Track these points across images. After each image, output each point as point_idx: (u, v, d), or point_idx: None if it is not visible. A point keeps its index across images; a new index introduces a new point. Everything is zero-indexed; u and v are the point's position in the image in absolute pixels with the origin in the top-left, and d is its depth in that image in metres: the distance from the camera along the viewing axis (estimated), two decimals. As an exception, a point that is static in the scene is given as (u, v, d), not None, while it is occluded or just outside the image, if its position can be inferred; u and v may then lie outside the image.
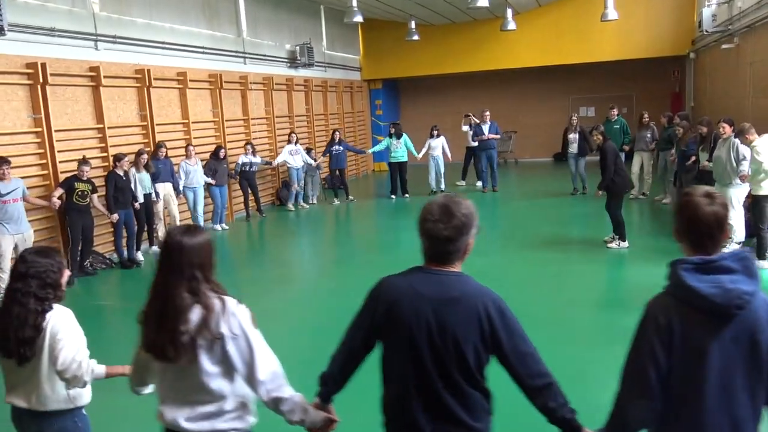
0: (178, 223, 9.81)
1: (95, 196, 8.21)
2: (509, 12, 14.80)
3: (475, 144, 14.00)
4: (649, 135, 11.68)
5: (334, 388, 2.39)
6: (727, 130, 7.61)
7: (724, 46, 12.14)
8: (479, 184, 14.25)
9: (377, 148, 14.62)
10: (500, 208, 12.71)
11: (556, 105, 19.19)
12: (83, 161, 8.08)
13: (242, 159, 11.68)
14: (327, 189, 14.82)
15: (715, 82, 14.03)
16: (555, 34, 17.16)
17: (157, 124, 10.22)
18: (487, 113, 14.11)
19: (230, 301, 2.26)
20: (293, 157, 12.77)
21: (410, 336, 2.14)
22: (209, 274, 2.27)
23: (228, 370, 2.24)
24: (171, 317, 2.17)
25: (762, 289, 1.97)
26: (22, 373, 2.68)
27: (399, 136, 13.73)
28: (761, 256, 7.00)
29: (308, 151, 13.65)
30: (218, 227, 11.09)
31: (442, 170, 14.05)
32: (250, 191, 12.06)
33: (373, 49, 19.09)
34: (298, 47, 14.78)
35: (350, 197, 13.75)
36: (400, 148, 13.70)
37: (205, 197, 10.83)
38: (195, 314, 2.19)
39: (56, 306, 2.70)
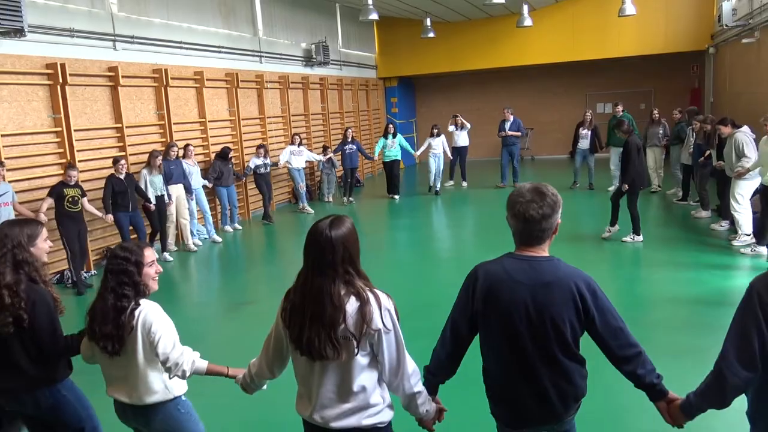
0: (188, 226, 9.71)
1: (85, 200, 7.88)
2: (525, 8, 14.71)
3: (465, 144, 14.54)
4: (661, 131, 11.85)
5: (442, 377, 2.51)
6: (725, 130, 7.85)
7: (744, 41, 11.97)
8: (464, 184, 14.48)
9: (377, 150, 14.59)
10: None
11: (572, 101, 19.04)
12: (70, 166, 7.75)
13: (254, 162, 11.57)
14: (341, 187, 14.85)
15: (735, 78, 13.83)
16: (571, 30, 17.03)
17: (175, 123, 10.31)
18: (508, 110, 14.27)
19: (382, 295, 2.27)
20: (295, 157, 12.65)
21: (509, 320, 2.30)
22: (358, 265, 2.27)
23: (375, 363, 2.26)
24: (330, 316, 2.15)
25: None
26: (116, 367, 2.73)
27: (394, 136, 13.78)
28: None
29: (324, 149, 13.69)
30: (228, 228, 11.06)
31: (441, 169, 14.09)
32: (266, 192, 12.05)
33: (389, 46, 19.07)
34: (313, 45, 14.82)
35: (350, 199, 13.67)
36: (394, 148, 13.75)
37: (209, 199, 10.76)
38: (351, 308, 2.18)
39: (144, 301, 2.72)
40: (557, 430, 2.55)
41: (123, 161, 8.42)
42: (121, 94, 9.18)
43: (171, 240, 9.58)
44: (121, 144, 9.27)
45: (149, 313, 2.68)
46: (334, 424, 2.25)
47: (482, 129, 19.01)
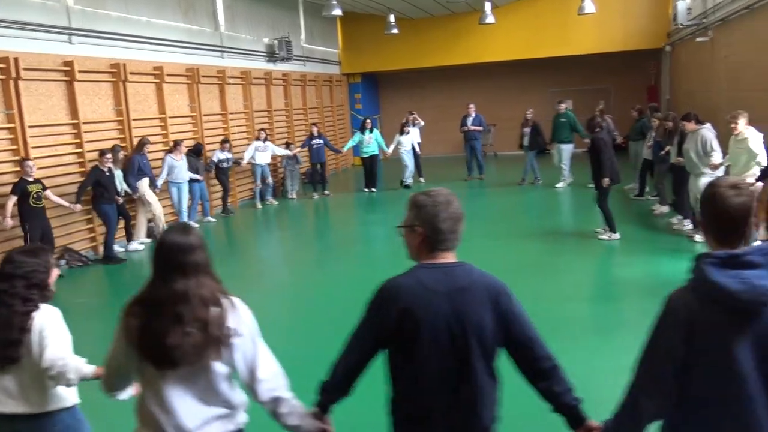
0: (162, 219, 9.81)
1: (49, 192, 7.89)
2: (488, 5, 14.84)
3: (418, 141, 14.63)
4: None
5: (336, 397, 2.30)
6: (690, 126, 7.85)
7: (698, 40, 12.31)
8: (422, 179, 14.61)
9: (350, 144, 14.66)
10: (478, 198, 12.83)
11: (535, 98, 19.25)
12: (25, 159, 7.67)
13: (218, 155, 11.64)
14: (306, 183, 14.78)
15: (690, 76, 14.23)
16: (533, 28, 17.26)
17: (134, 120, 10.09)
18: (472, 106, 14.60)
19: (237, 300, 2.22)
20: (260, 153, 12.62)
21: (430, 335, 2.11)
22: (210, 270, 2.20)
23: (230, 370, 2.19)
24: (195, 319, 2.07)
25: None
26: (12, 376, 2.61)
27: (371, 131, 13.80)
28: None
29: (287, 145, 13.60)
30: (206, 220, 11.25)
31: (411, 165, 14.15)
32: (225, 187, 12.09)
33: (353, 42, 19.03)
34: (276, 41, 14.68)
35: (326, 192, 13.69)
36: (372, 143, 13.78)
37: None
38: (212, 314, 2.11)
39: (43, 306, 2.65)
40: None
41: (109, 154, 8.60)
42: (77, 89, 8.94)
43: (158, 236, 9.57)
44: (78, 140, 9.05)
45: (46, 319, 2.62)
46: None
47: (446, 125, 19.13)
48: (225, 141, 11.86)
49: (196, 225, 10.88)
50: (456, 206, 2.17)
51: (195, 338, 2.06)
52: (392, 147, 14.20)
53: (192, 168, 10.66)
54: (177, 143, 10.32)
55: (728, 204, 1.87)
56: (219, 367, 2.13)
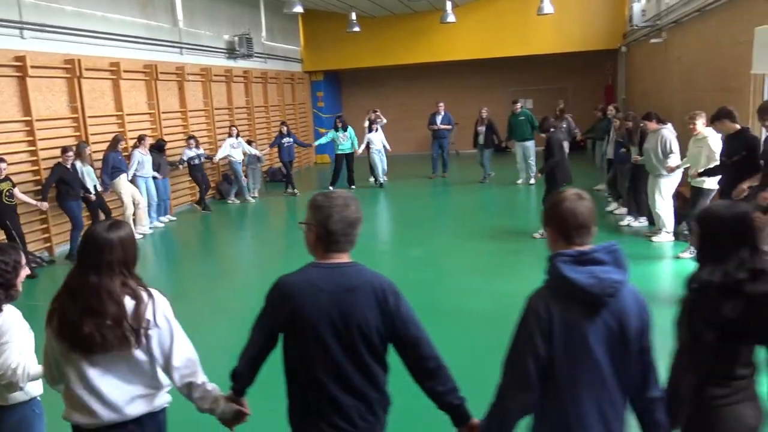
0: (145, 212, 9.86)
1: (16, 190, 7.87)
2: (449, 4, 14.94)
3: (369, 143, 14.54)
4: (564, 126, 12.26)
5: (246, 384, 2.46)
6: (651, 125, 7.92)
7: (652, 41, 12.64)
8: (382, 178, 14.55)
9: (322, 140, 14.59)
10: (444, 196, 12.95)
11: (495, 97, 19.49)
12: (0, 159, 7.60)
13: (187, 153, 11.60)
14: (269, 182, 14.66)
15: (645, 76, 14.60)
16: (494, 27, 17.46)
17: (89, 117, 9.84)
18: (441, 104, 14.78)
19: (155, 293, 2.37)
20: (235, 150, 12.65)
21: (315, 331, 2.21)
22: (132, 268, 2.37)
23: (148, 357, 2.33)
24: (110, 311, 2.23)
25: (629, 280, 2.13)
26: None
27: (345, 129, 13.73)
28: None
29: (248, 143, 13.46)
30: (165, 219, 11.08)
31: (386, 164, 14.13)
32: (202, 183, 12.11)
33: (314, 40, 18.94)
34: (236, 38, 14.50)
35: (295, 190, 13.62)
36: (347, 141, 13.73)
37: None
38: (128, 306, 2.27)
39: (6, 307, 2.63)
40: None
41: (70, 152, 8.51)
42: (29, 85, 8.67)
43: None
44: (31, 138, 8.78)
45: (6, 322, 2.61)
46: (128, 410, 2.30)
47: (409, 123, 19.23)
48: (191, 138, 11.75)
49: (168, 220, 10.85)
50: (352, 210, 2.25)
51: (109, 330, 2.22)
52: (363, 146, 14.19)
53: (155, 164, 10.58)
54: (141, 138, 10.30)
55: (577, 208, 2.10)
56: (138, 354, 2.30)
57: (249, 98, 15.34)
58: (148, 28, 11.53)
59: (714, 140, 6.90)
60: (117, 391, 2.30)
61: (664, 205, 7.89)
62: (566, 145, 12.33)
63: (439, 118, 14.56)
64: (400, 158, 18.83)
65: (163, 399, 2.43)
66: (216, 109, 13.73)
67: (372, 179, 14.82)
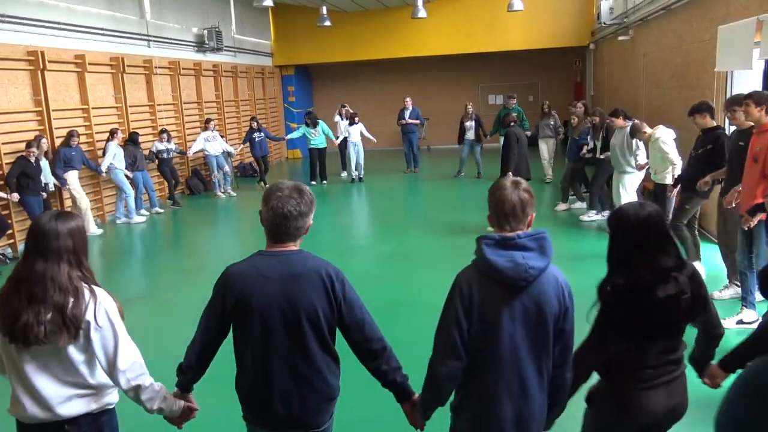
0: (89, 213, 9.52)
1: None
2: (420, 0, 14.95)
3: (347, 136, 14.47)
4: (552, 123, 12.33)
5: (193, 377, 2.46)
6: (618, 122, 8.01)
7: (620, 38, 12.84)
8: (354, 173, 14.49)
9: (293, 135, 14.49)
10: (414, 191, 12.99)
11: (466, 92, 19.63)
12: None
13: (158, 146, 11.45)
14: (239, 177, 14.54)
15: (613, 73, 14.83)
16: (465, 23, 17.54)
17: (54, 110, 9.62)
18: (408, 100, 14.77)
19: (99, 291, 2.27)
20: (210, 143, 12.46)
21: (263, 318, 2.27)
22: (83, 260, 2.28)
23: (92, 358, 2.25)
24: (52, 298, 2.16)
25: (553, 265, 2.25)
26: None
27: (315, 125, 13.67)
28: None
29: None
30: (145, 214, 10.97)
31: (362, 156, 14.06)
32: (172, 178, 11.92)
33: (285, 34, 18.80)
34: (205, 31, 14.32)
35: (265, 185, 13.53)
36: (319, 136, 13.67)
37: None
38: (70, 299, 2.19)
39: None
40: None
41: (34, 148, 8.31)
42: (-10, 77, 8.46)
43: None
44: (-8, 132, 8.56)
45: None
46: (60, 410, 2.23)
47: (381, 119, 19.22)
48: (163, 131, 11.61)
49: (148, 214, 10.70)
50: (292, 203, 2.25)
51: (47, 321, 2.14)
52: (341, 137, 14.16)
53: (131, 156, 10.47)
54: (113, 131, 10.19)
55: (507, 197, 2.22)
56: (74, 353, 2.21)
57: (219, 92, 15.16)
58: (114, 20, 11.31)
59: (666, 138, 6.95)
60: (51, 389, 2.23)
61: (628, 199, 7.98)
62: (551, 142, 12.47)
63: (407, 113, 14.58)
64: (372, 153, 18.80)
65: (105, 400, 2.34)
66: (185, 103, 13.54)
67: (344, 174, 14.80)
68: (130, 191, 10.43)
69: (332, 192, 13.29)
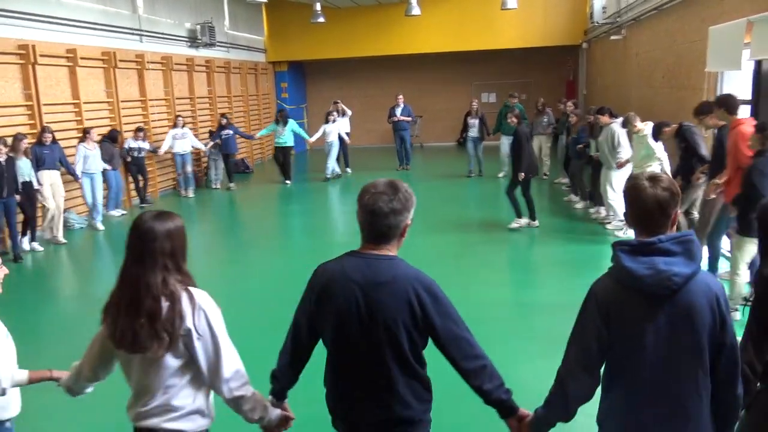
0: (61, 214, 9.01)
1: None
2: (414, -3, 14.94)
3: (347, 131, 14.59)
4: (545, 120, 12.38)
5: (287, 384, 2.36)
6: (604, 119, 8.22)
7: (612, 38, 12.89)
8: (348, 170, 14.62)
9: (263, 132, 14.45)
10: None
11: (459, 90, 19.66)
12: None
13: (130, 144, 11.11)
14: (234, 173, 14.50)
15: (605, 72, 14.88)
16: (458, 21, 17.55)
17: (45, 105, 9.55)
18: (401, 97, 14.71)
19: (200, 295, 2.14)
20: (178, 141, 12.18)
21: (340, 321, 2.15)
22: (181, 263, 2.16)
23: (188, 365, 2.14)
24: (147, 306, 2.06)
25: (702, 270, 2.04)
26: None
27: (285, 123, 13.59)
28: None
29: (211, 134, 13.30)
30: (116, 213, 10.68)
31: (333, 156, 14.02)
32: (140, 177, 11.55)
33: (279, 30, 18.75)
34: (198, 26, 14.26)
35: (231, 184, 13.34)
36: (285, 134, 13.56)
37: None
38: (165, 305, 2.07)
39: None
40: None
41: (1, 146, 7.81)
42: (-20, 71, 8.39)
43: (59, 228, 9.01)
44: (-17, 126, 8.49)
45: None
46: (137, 423, 2.18)
47: (373, 115, 19.23)
48: (139, 129, 11.28)
49: (120, 214, 10.58)
50: (385, 199, 2.10)
51: (142, 328, 2.05)
52: (316, 136, 14.13)
53: (107, 155, 10.21)
54: (87, 131, 9.79)
55: (644, 196, 2.00)
56: (170, 360, 2.10)
57: (211, 88, 15.11)
58: (106, 15, 11.24)
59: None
60: (137, 401, 2.18)
61: (615, 196, 8.23)
62: (548, 139, 12.53)
63: (398, 111, 14.54)
64: (364, 150, 18.84)
65: (189, 423, 2.20)
66: (177, 98, 13.49)
67: (348, 170, 14.77)
68: (89, 199, 9.81)
69: (314, 190, 13.27)
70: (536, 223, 8.73)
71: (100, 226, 9.87)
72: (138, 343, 2.06)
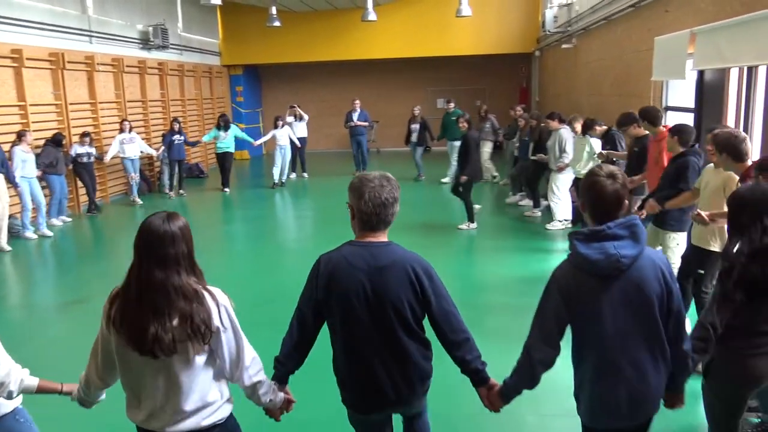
0: (4, 219, 8.59)
1: None
2: (370, 2, 14.98)
3: (304, 136, 14.62)
4: (488, 126, 12.65)
5: (292, 367, 2.53)
6: (553, 124, 8.75)
7: (563, 46, 13.21)
8: (293, 175, 14.66)
9: (206, 138, 14.13)
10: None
11: (415, 96, 19.78)
12: None
13: (76, 149, 10.72)
14: (183, 178, 14.23)
15: (557, 79, 15.23)
16: (414, 27, 17.70)
17: (-12, 106, 9.23)
18: (357, 102, 14.72)
19: (216, 291, 2.22)
20: (125, 146, 11.79)
21: (350, 305, 2.36)
22: (195, 261, 2.21)
23: (212, 361, 2.22)
24: (178, 309, 2.09)
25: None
26: None
27: (226, 128, 13.39)
28: None
29: (164, 138, 13.01)
30: (58, 221, 10.20)
31: (288, 161, 13.97)
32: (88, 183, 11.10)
33: (233, 33, 18.55)
34: (151, 28, 13.98)
35: (181, 191, 13.08)
36: (227, 140, 13.36)
37: (43, 187, 9.79)
38: (192, 307, 2.11)
39: None
40: (407, 412, 2.68)
41: None
42: None
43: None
44: None
45: None
46: (171, 428, 2.19)
47: (330, 120, 19.20)
48: (85, 135, 10.84)
49: (61, 223, 10.22)
50: (386, 191, 2.35)
51: (175, 330, 2.08)
52: (263, 139, 14.00)
53: (51, 159, 9.76)
54: (21, 134, 9.26)
55: (605, 191, 2.24)
56: (199, 360, 2.16)
57: (164, 91, 14.83)
58: (53, 14, 10.92)
59: (594, 138, 7.88)
60: (167, 406, 2.19)
61: (557, 198, 8.86)
62: (490, 145, 12.76)
63: (355, 116, 14.53)
64: (322, 155, 18.79)
65: (224, 412, 2.30)
66: (129, 101, 13.19)
67: (293, 175, 14.69)
68: (28, 207, 9.33)
69: (267, 197, 13.16)
70: (474, 225, 9.04)
71: (48, 232, 9.55)
72: (172, 347, 2.09)
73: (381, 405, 2.50)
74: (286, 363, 2.50)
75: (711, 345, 2.61)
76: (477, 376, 2.50)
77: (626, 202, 2.28)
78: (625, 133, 6.77)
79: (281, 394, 2.49)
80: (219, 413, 2.26)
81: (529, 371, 2.39)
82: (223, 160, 13.38)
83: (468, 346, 2.45)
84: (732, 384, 2.71)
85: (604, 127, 7.79)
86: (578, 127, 8.23)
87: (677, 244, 5.10)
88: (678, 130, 5.04)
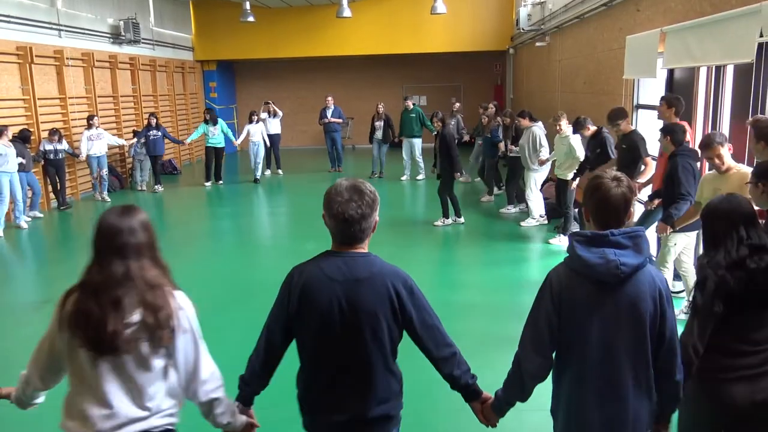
0: None
1: None
2: (345, -1, 14.95)
3: (278, 132, 14.62)
4: (453, 122, 12.73)
5: (258, 388, 2.36)
6: (524, 122, 8.83)
7: (537, 44, 13.33)
8: (268, 172, 14.59)
9: (193, 135, 14.05)
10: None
11: (390, 93, 19.81)
12: None
13: (45, 146, 10.52)
14: (161, 174, 14.05)
15: (531, 77, 15.37)
16: (389, 24, 17.70)
17: (-47, 101, 9.00)
18: (330, 99, 14.68)
19: (179, 295, 2.09)
20: (93, 142, 11.57)
21: (323, 319, 2.19)
22: (158, 254, 2.09)
23: (167, 370, 2.07)
24: (124, 304, 1.95)
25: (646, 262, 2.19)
26: None
27: (215, 123, 13.39)
28: (565, 232, 7.90)
29: (134, 134, 12.84)
30: (27, 218, 9.94)
31: (262, 156, 13.92)
32: (57, 180, 10.92)
33: (207, 28, 18.34)
34: (122, 22, 13.75)
35: (157, 186, 12.94)
36: (217, 134, 13.38)
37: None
38: (150, 298, 2.00)
39: None
40: None
41: None
42: None
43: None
44: None
45: None
46: (126, 429, 2.04)
47: (304, 117, 19.14)
48: (53, 132, 10.59)
49: (30, 219, 10.02)
50: (354, 207, 2.14)
51: (135, 326, 1.96)
52: (242, 137, 13.95)
53: (19, 155, 9.55)
54: (1, 129, 9.17)
55: (611, 195, 2.15)
56: (157, 362, 2.03)
57: (136, 86, 14.61)
58: (20, 7, 10.68)
59: (575, 138, 7.93)
60: (123, 405, 2.03)
61: (533, 195, 8.98)
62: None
63: (329, 112, 14.51)
64: (296, 151, 18.71)
65: (174, 418, 2.14)
66: (99, 96, 12.96)
67: (267, 172, 14.60)
68: (6, 200, 9.23)
69: (245, 192, 13.07)
70: (461, 219, 9.11)
71: (24, 225, 9.51)
72: (131, 343, 1.96)
73: (335, 427, 2.30)
74: (251, 383, 2.34)
75: (694, 368, 2.48)
76: (468, 391, 2.36)
77: (632, 209, 2.23)
78: (615, 129, 6.69)
79: (243, 417, 2.30)
80: (171, 418, 2.12)
81: (519, 384, 2.30)
82: (216, 154, 13.41)
83: (455, 360, 2.30)
84: (707, 414, 2.56)
85: (594, 129, 7.57)
86: (562, 126, 8.08)
87: (674, 244, 5.15)
88: (670, 130, 5.03)
